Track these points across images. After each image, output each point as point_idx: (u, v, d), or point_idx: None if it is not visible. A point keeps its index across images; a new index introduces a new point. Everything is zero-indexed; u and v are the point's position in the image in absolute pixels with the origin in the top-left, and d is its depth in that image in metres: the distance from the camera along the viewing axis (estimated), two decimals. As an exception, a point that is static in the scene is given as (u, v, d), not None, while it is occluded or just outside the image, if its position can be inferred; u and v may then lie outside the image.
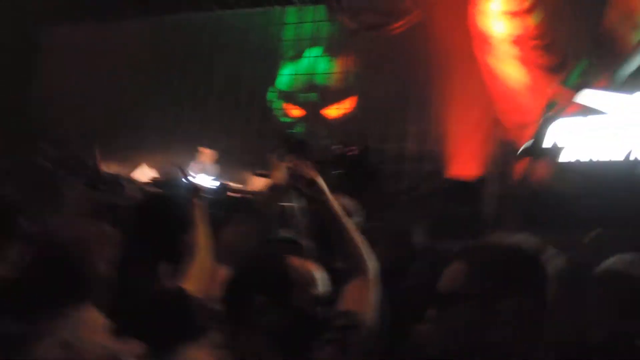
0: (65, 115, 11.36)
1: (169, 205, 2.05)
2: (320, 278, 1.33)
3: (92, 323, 1.37)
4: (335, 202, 1.72)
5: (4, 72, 10.26)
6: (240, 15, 11.19)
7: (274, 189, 2.39)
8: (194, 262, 2.01)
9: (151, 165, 10.09)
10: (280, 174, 2.42)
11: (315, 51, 10.74)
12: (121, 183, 8.43)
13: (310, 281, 1.30)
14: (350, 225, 1.70)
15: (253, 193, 7.34)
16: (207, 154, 8.29)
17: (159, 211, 1.98)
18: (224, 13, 11.28)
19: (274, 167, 2.51)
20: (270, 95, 10.82)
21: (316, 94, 10.70)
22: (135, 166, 9.81)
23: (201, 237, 2.09)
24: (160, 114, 11.03)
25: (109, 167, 9.92)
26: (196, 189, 2.36)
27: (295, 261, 1.33)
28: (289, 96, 10.80)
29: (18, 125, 10.31)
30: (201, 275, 1.98)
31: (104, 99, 11.25)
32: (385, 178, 8.77)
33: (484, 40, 5.76)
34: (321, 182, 1.77)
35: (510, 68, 5.68)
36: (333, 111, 10.42)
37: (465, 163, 7.02)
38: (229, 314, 1.25)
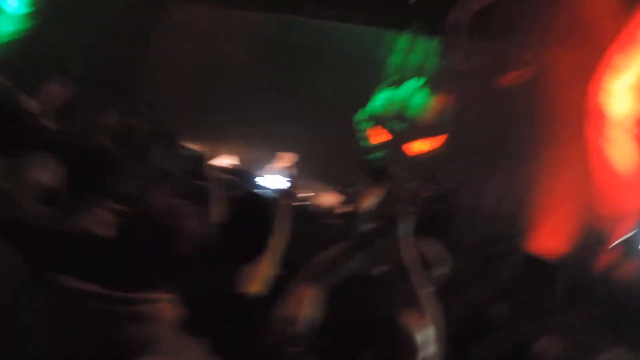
0: (168, 88, 11.93)
1: (264, 204, 2.00)
2: (427, 337, 1.26)
3: (163, 315, 1.34)
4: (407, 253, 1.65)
5: (125, 35, 10.86)
6: (355, 31, 11.26)
7: (358, 213, 2.33)
8: (262, 265, 1.95)
9: (231, 158, 10.31)
10: (368, 200, 2.38)
11: (417, 82, 10.64)
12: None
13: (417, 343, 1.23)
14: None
15: (323, 207, 7.31)
16: (287, 158, 8.34)
17: (253, 209, 1.93)
18: (340, 25, 11.40)
19: (363, 191, 2.46)
20: (359, 116, 10.83)
21: (406, 125, 10.59)
22: (214, 156, 10.05)
23: (278, 240, 2.05)
24: (249, 110, 11.37)
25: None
26: (287, 192, 2.34)
27: (407, 319, 1.26)
28: (377, 121, 10.76)
29: (127, 88, 10.88)
30: (264, 279, 1.94)
31: (203, 81, 11.74)
32: (458, 229, 8.47)
33: (600, 118, 5.42)
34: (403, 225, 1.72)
35: (623, 153, 5.29)
36: (418, 145, 10.27)
37: (544, 237, 6.63)
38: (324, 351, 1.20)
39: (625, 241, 4.32)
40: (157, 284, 1.36)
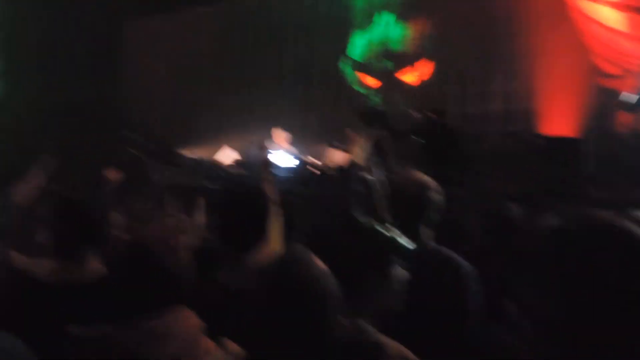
0: (145, 104, 11.92)
1: (254, 192, 1.91)
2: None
3: (186, 322, 1.31)
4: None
5: (85, 68, 10.81)
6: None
7: (354, 164, 2.23)
8: (266, 247, 1.90)
9: (232, 146, 10.33)
10: (361, 149, 2.29)
11: (387, 17, 10.38)
12: (204, 166, 8.74)
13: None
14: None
15: (332, 167, 7.26)
16: (280, 135, 8.30)
17: (245, 199, 1.85)
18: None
19: (354, 141, 2.36)
20: (344, 66, 10.64)
21: (391, 62, 10.37)
22: (216, 149, 10.04)
23: (273, 217, 1.99)
24: (236, 96, 11.25)
25: (192, 152, 10.36)
26: (266, 164, 2.25)
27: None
28: (362, 66, 10.55)
29: (103, 118, 10.87)
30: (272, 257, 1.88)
31: (181, 86, 11.66)
32: (468, 141, 8.36)
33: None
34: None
35: (607, 11, 5.07)
36: (409, 77, 10.07)
37: (559, 118, 6.46)
38: None
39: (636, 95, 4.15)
40: (167, 300, 1.33)
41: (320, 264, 1.14)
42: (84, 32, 10.63)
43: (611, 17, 5.15)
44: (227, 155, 9.31)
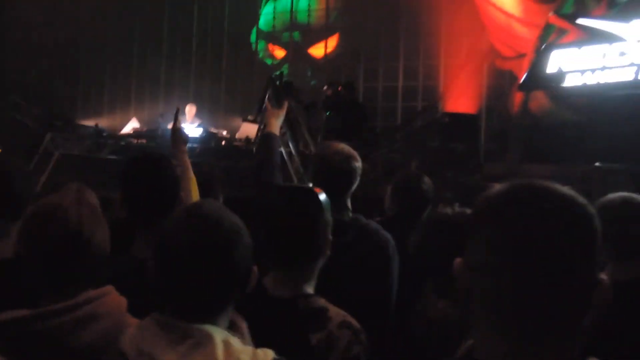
0: (42, 70, 10.96)
1: (162, 161, 1.81)
2: None
3: (111, 302, 1.25)
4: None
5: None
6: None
7: (268, 135, 2.22)
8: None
9: (141, 118, 9.88)
10: (276, 120, 2.28)
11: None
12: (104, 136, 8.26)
13: None
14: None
15: (243, 140, 7.18)
16: (192, 109, 8.08)
17: (153, 167, 1.75)
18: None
19: (270, 113, 2.33)
20: (254, 37, 10.46)
21: (299, 33, 10.34)
22: (126, 120, 9.58)
23: (187, 184, 1.95)
24: (145, 69, 10.69)
25: (100, 122, 9.78)
26: (176, 132, 2.17)
27: None
28: (271, 36, 10.43)
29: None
30: None
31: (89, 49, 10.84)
32: (377, 116, 8.69)
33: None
34: None
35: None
36: (316, 50, 10.12)
37: (461, 96, 6.86)
38: None
39: (528, 74, 4.51)
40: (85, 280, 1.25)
41: (234, 217, 1.09)
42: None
43: (507, 2, 5.50)
44: (133, 127, 8.88)
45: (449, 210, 1.63)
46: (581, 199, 0.74)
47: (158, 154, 1.65)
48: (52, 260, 1.20)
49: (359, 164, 1.82)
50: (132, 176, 1.57)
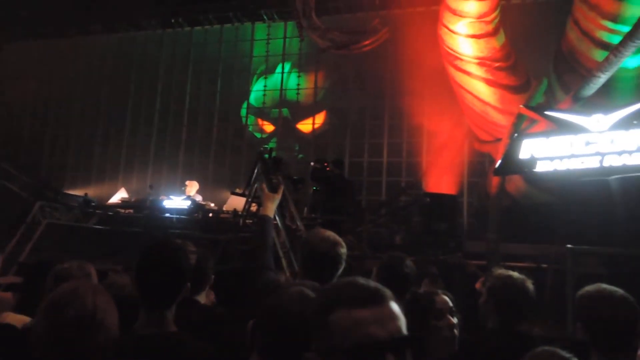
0: (33, 138, 11.20)
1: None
2: None
3: None
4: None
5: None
6: (210, 31, 11.20)
7: (264, 219, 2.37)
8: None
9: (129, 188, 10.03)
10: (272, 203, 2.42)
11: (286, 67, 10.82)
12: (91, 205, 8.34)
13: None
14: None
15: (231, 212, 7.32)
16: (191, 185, 8.30)
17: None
18: (193, 30, 11.28)
19: (265, 196, 2.47)
20: (244, 112, 10.85)
21: (287, 109, 10.77)
22: (114, 190, 9.74)
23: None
24: (136, 138, 10.97)
25: (89, 191, 9.90)
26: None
27: None
28: (261, 112, 10.83)
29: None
30: None
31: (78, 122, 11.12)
32: (361, 190, 8.98)
33: (454, 58, 5.90)
34: None
35: (479, 85, 5.83)
36: (305, 126, 10.51)
37: (442, 174, 7.17)
38: None
39: (503, 159, 4.80)
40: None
41: None
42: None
43: (483, 91, 5.90)
44: (121, 197, 9.01)
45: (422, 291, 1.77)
46: None
47: (175, 245, 1.75)
48: (67, 342, 1.34)
49: (344, 249, 1.97)
50: (148, 264, 1.67)
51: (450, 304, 1.87)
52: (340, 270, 1.99)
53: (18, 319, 2.02)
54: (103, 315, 1.38)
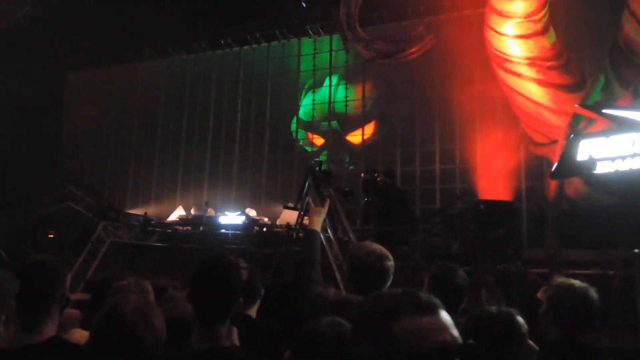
0: (95, 160, 11.80)
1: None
2: None
3: None
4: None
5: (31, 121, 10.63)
6: (258, 50, 11.43)
7: (312, 233, 2.38)
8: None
9: (186, 205, 10.39)
10: (319, 217, 2.43)
11: (334, 80, 10.89)
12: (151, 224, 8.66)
13: None
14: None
15: (284, 226, 7.41)
16: (250, 212, 8.52)
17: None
18: (241, 49, 11.56)
19: (313, 210, 2.49)
20: (294, 126, 10.99)
21: (337, 122, 10.82)
22: (173, 208, 10.11)
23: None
24: (189, 155, 11.36)
25: (148, 210, 10.34)
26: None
27: None
28: (311, 126, 10.93)
29: (45, 170, 10.67)
30: None
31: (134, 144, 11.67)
32: (414, 199, 8.83)
33: (503, 60, 5.74)
34: None
35: (531, 86, 5.64)
36: (354, 137, 10.52)
37: (497, 180, 6.96)
38: None
39: (559, 162, 4.61)
40: None
41: None
42: (30, 86, 10.50)
43: (535, 92, 5.70)
44: (180, 215, 9.33)
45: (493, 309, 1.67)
46: None
47: (228, 261, 1.79)
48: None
49: (391, 262, 1.94)
50: (202, 280, 1.73)
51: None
52: (388, 284, 1.96)
53: (84, 335, 2.12)
54: (143, 334, 1.45)
